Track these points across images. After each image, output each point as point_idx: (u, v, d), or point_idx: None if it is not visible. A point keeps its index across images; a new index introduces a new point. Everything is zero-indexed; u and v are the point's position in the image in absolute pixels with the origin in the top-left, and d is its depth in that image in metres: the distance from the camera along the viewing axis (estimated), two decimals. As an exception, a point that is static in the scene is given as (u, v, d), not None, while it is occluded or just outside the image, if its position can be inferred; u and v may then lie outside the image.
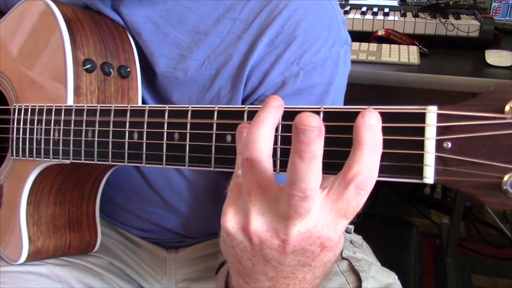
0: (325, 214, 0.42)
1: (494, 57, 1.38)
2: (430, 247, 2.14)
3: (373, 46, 1.44)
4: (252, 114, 0.43)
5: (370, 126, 0.40)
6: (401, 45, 1.45)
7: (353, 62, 1.35)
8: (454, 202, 1.98)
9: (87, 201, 0.80)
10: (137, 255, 0.91)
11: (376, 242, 0.93)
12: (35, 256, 0.75)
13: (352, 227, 0.93)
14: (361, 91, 1.35)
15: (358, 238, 0.91)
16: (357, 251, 0.86)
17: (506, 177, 0.38)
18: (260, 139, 0.41)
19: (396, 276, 0.81)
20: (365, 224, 0.99)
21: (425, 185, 2.26)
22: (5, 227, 0.77)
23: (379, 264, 0.86)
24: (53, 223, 0.76)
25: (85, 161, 0.63)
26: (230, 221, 0.45)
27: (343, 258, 0.82)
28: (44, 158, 0.68)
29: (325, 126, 0.38)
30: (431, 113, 0.40)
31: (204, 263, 0.89)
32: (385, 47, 1.43)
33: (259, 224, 0.43)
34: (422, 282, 1.29)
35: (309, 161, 0.38)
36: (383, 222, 1.51)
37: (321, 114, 0.44)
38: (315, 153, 0.38)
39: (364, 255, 0.85)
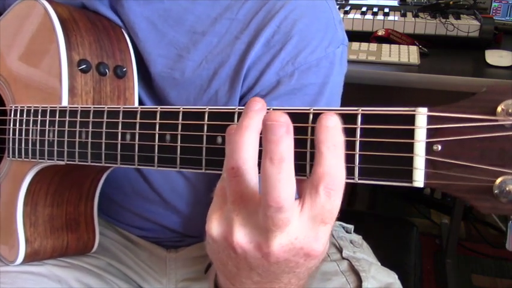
0: (304, 224, 0.42)
1: (494, 57, 1.38)
2: (430, 247, 2.13)
3: (373, 46, 1.44)
4: (242, 116, 0.43)
5: (327, 128, 0.40)
6: (401, 45, 1.44)
7: (353, 62, 1.37)
8: (454, 202, 1.98)
9: (85, 202, 0.79)
10: (137, 255, 0.91)
11: (376, 242, 0.93)
12: (32, 257, 0.75)
13: (352, 226, 0.93)
14: (361, 91, 1.35)
15: (358, 238, 0.91)
16: (357, 251, 0.86)
17: (497, 181, 0.38)
18: (244, 148, 0.41)
19: (396, 276, 0.81)
20: (365, 224, 0.99)
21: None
22: (3, 228, 0.77)
23: (379, 264, 0.86)
24: (50, 224, 0.76)
25: (79, 162, 0.63)
26: (214, 228, 0.45)
27: (343, 258, 0.82)
28: (39, 159, 0.68)
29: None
30: (421, 115, 0.39)
31: (204, 262, 0.88)
32: (385, 47, 1.43)
33: (241, 235, 0.43)
34: (422, 282, 1.28)
35: (279, 163, 0.39)
36: (383, 222, 1.50)
37: (311, 115, 0.44)
38: (284, 154, 0.39)
39: (364, 255, 0.85)
